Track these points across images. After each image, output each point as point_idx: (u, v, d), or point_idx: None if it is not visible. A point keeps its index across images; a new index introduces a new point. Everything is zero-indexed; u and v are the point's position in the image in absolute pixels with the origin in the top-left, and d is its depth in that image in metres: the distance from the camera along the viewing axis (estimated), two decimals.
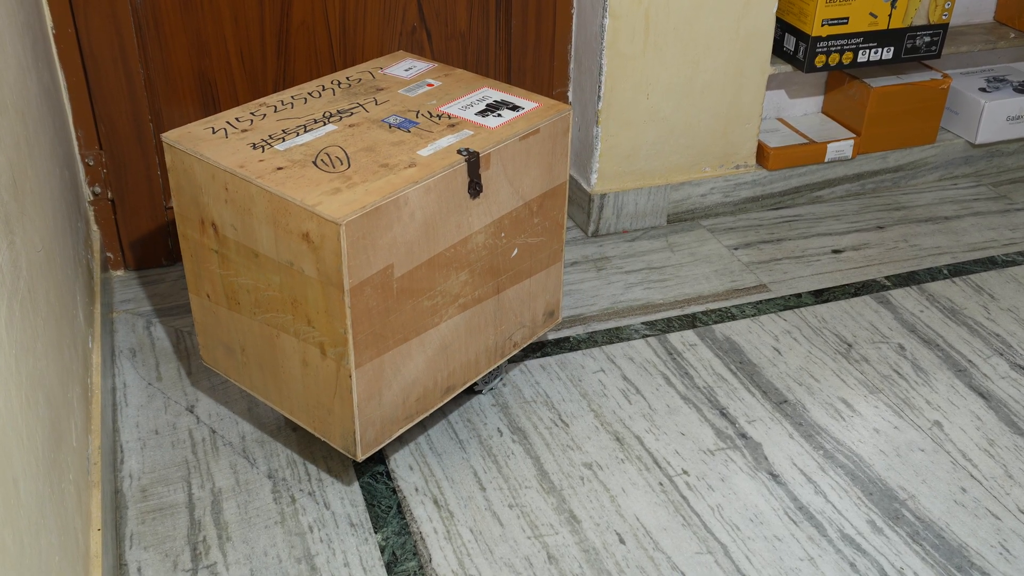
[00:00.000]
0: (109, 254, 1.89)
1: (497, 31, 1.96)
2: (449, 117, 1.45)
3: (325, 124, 1.42)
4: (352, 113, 1.46)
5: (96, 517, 1.23)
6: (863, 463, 1.51)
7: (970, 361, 1.73)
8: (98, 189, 1.82)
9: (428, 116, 1.45)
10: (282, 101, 1.49)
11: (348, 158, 1.33)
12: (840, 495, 1.45)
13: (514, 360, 1.70)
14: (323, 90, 1.53)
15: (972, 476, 1.49)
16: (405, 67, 1.60)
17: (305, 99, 1.49)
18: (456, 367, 1.47)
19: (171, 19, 1.73)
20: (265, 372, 1.43)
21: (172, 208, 1.66)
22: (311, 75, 1.88)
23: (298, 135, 1.39)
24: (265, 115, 1.44)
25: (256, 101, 1.48)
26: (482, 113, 1.46)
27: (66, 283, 1.37)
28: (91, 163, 1.79)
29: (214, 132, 1.39)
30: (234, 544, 1.35)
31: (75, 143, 1.77)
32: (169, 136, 1.38)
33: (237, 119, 1.43)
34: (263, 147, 1.35)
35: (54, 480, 1.02)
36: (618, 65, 1.93)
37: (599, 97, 1.95)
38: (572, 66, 2.04)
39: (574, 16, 1.99)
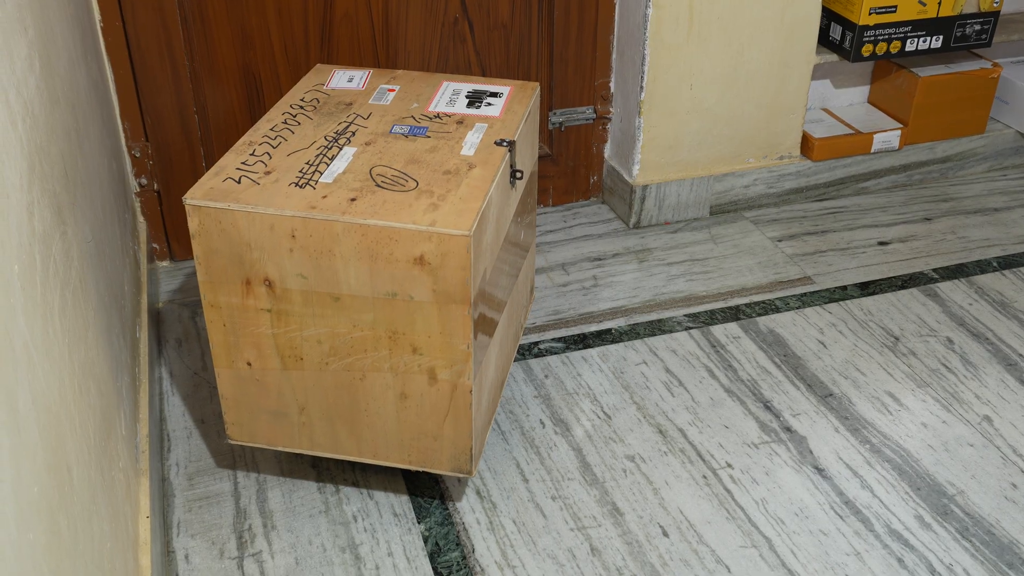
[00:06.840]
0: (155, 245, 1.91)
1: (540, 21, 1.95)
2: (449, 116, 1.41)
3: (341, 148, 1.32)
4: (353, 132, 1.36)
5: (144, 505, 1.25)
6: (911, 458, 1.49)
7: (1021, 355, 1.70)
8: (144, 180, 1.84)
9: (428, 119, 1.41)
10: (268, 136, 1.35)
11: (406, 174, 1.27)
12: (887, 490, 1.43)
13: (555, 352, 1.70)
14: (293, 117, 1.40)
15: (1023, 472, 1.46)
16: (346, 78, 1.52)
17: (290, 129, 1.37)
18: (504, 360, 1.47)
19: (216, 12, 1.75)
20: (335, 425, 1.34)
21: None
22: (355, 67, 1.88)
23: (328, 164, 1.28)
24: (268, 153, 1.31)
25: (240, 142, 1.33)
26: (472, 105, 1.44)
27: (114, 273, 1.38)
28: (137, 155, 1.81)
29: (238, 182, 1.23)
30: (279, 533, 1.36)
31: (122, 135, 1.79)
32: (193, 197, 1.20)
33: (245, 164, 1.28)
34: (308, 184, 1.23)
35: (104, 468, 1.04)
36: (661, 55, 1.91)
37: (642, 87, 1.94)
38: (614, 56, 2.03)
39: (617, 5, 1.98)
